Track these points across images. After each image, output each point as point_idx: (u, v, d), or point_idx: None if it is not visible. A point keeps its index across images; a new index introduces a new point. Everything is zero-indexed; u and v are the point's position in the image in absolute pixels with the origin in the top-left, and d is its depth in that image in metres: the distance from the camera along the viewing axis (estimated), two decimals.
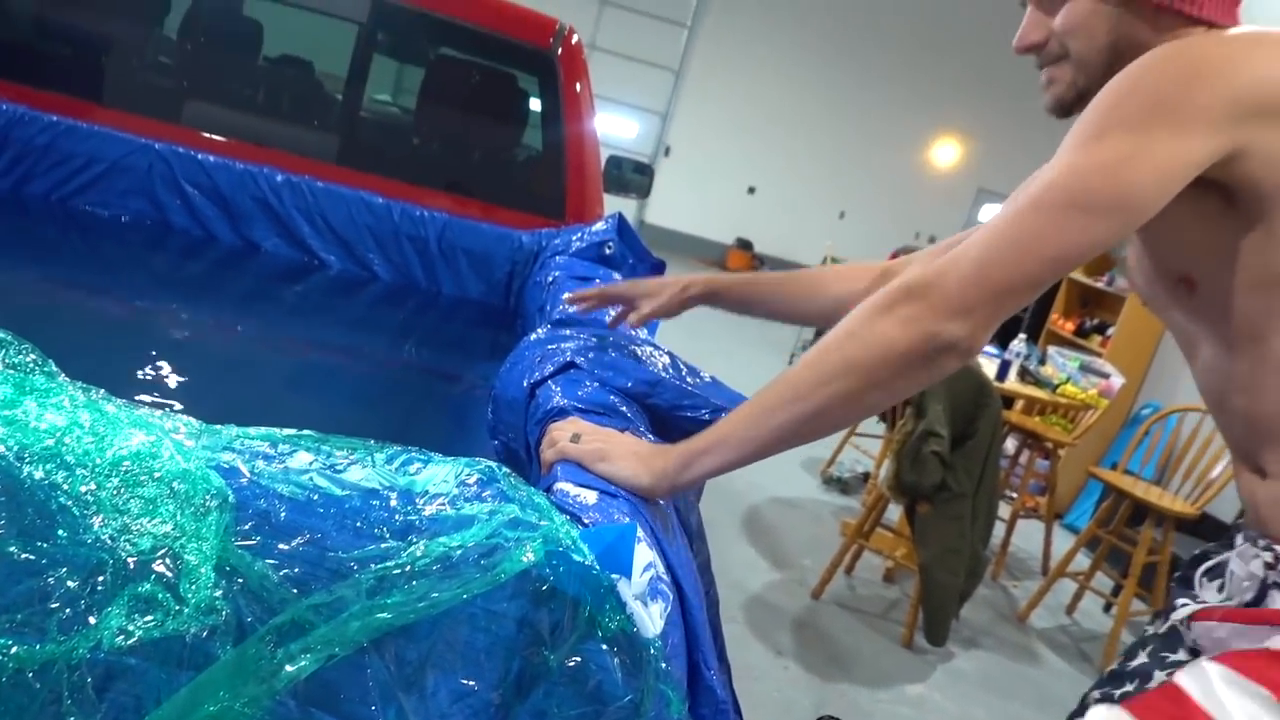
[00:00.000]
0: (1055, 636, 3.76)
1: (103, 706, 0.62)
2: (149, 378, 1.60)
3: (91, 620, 0.62)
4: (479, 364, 2.23)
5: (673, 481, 0.92)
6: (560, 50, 2.60)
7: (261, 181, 2.40)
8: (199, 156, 2.39)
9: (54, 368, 0.77)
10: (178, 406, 1.48)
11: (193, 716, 0.64)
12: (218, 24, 2.72)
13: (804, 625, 3.26)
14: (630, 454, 0.93)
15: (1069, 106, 1.00)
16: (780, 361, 6.99)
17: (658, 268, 2.26)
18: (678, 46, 11.32)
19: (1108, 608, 4.05)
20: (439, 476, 0.78)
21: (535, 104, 2.79)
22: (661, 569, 0.76)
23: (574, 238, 2.23)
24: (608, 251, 2.14)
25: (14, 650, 0.61)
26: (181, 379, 1.64)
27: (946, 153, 11.91)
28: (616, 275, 2.06)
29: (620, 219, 2.22)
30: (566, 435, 0.96)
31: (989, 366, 3.93)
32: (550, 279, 1.99)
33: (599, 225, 2.22)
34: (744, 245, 11.74)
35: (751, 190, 12.03)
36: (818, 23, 11.34)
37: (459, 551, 0.70)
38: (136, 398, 1.46)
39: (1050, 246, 0.83)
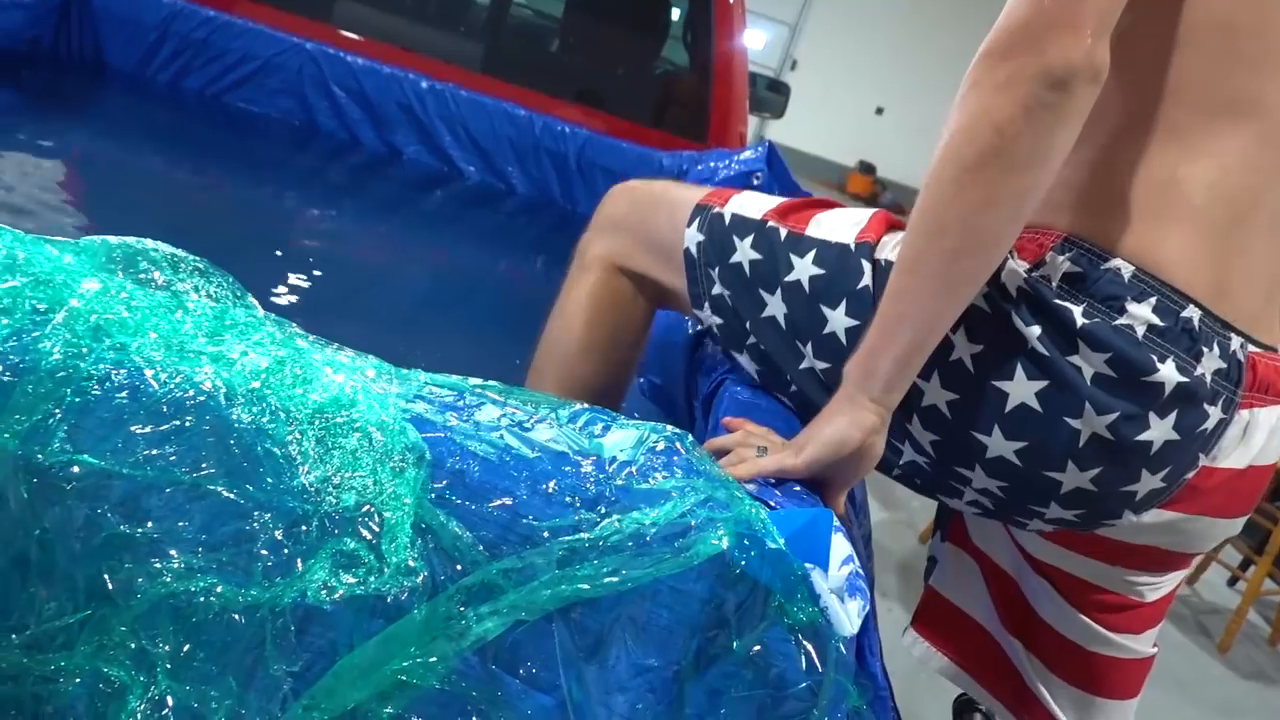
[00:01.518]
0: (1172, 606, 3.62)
1: (302, 653, 0.62)
2: (297, 284, 1.63)
3: (297, 569, 0.62)
4: None
5: (880, 405, 0.78)
6: None
7: (407, 87, 2.39)
8: (348, 59, 2.38)
9: (252, 300, 0.76)
10: (324, 308, 1.50)
11: (383, 669, 0.64)
12: None
13: (910, 569, 3.21)
14: (815, 430, 0.80)
15: None
16: None
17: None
18: None
19: (1233, 581, 3.87)
20: (625, 441, 0.75)
21: (685, 24, 2.68)
22: (859, 563, 0.72)
23: (720, 165, 2.15)
24: (755, 182, 2.06)
25: (219, 589, 0.62)
26: (324, 287, 1.66)
27: None
28: None
29: (771, 148, 2.13)
30: (750, 450, 0.84)
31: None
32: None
33: (747, 153, 2.13)
34: (866, 169, 11.32)
35: (879, 111, 11.52)
36: None
37: (653, 529, 0.67)
38: (278, 295, 1.48)
39: None
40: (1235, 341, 0.79)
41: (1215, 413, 0.79)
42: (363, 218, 2.26)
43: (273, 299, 1.51)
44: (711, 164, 2.22)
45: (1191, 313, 0.77)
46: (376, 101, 2.41)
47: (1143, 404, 0.77)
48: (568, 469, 0.70)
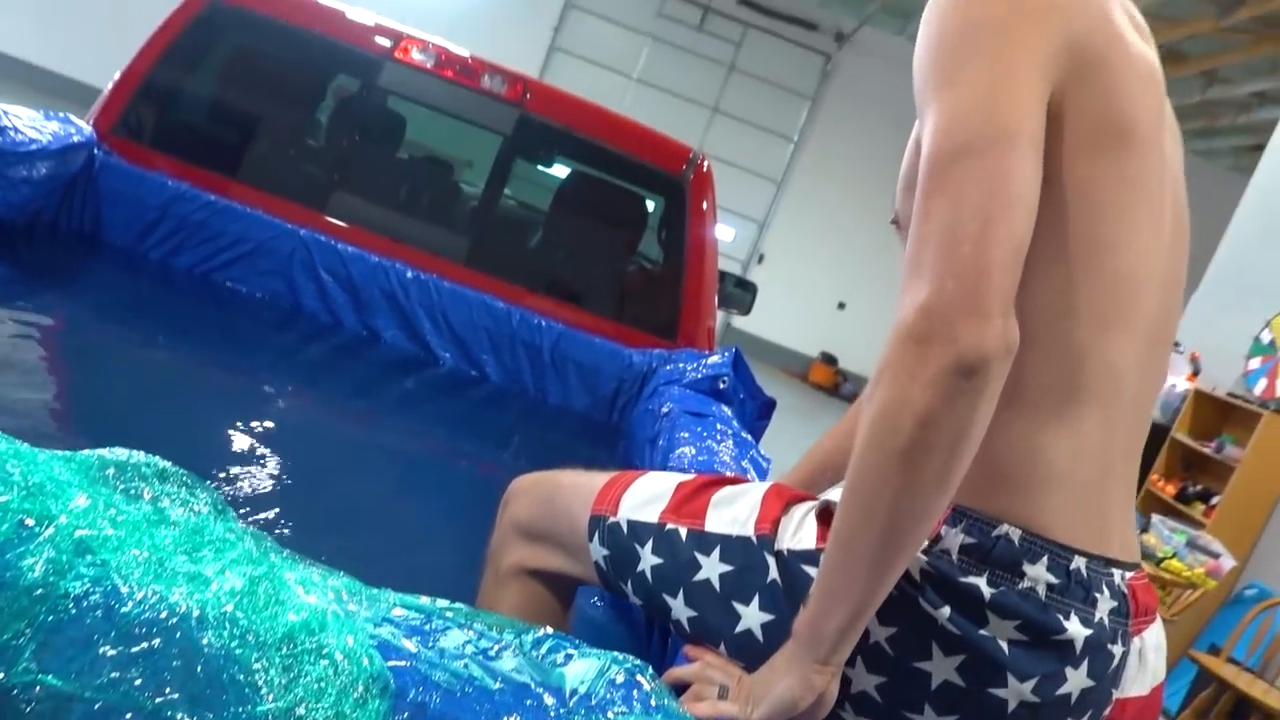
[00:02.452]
0: None
1: None
2: (267, 461, 1.64)
3: None
4: None
5: (829, 665, 0.79)
6: (691, 177, 2.66)
7: (392, 275, 2.49)
8: (337, 246, 2.49)
9: (232, 515, 0.78)
10: (294, 499, 1.51)
11: None
12: (366, 121, 2.87)
13: None
14: (768, 687, 0.82)
15: None
16: None
17: (768, 406, 2.25)
18: (783, 158, 11.53)
19: None
20: (586, 673, 0.77)
21: (660, 225, 2.84)
22: None
23: (688, 367, 2.24)
24: (721, 386, 2.14)
25: None
26: (296, 466, 1.68)
27: None
28: (728, 410, 2.05)
29: (737, 353, 2.23)
30: (711, 688, 0.87)
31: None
32: (664, 410, 1.99)
33: (715, 358, 2.23)
34: (829, 360, 11.67)
35: (842, 306, 12.01)
36: None
37: None
38: (253, 482, 1.49)
39: (981, 197, 0.72)
40: (1117, 576, 0.85)
41: (1118, 649, 0.84)
42: (336, 396, 2.30)
43: (248, 485, 1.52)
44: (680, 365, 2.31)
45: (1078, 562, 0.82)
46: (361, 286, 2.50)
47: (1059, 661, 0.81)
48: (529, 702, 0.71)
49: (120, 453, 0.77)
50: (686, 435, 1.70)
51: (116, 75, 2.53)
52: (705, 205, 2.69)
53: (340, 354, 2.49)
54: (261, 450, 1.70)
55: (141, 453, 0.78)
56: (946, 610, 0.80)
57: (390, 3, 9.43)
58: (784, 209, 11.84)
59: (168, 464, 0.79)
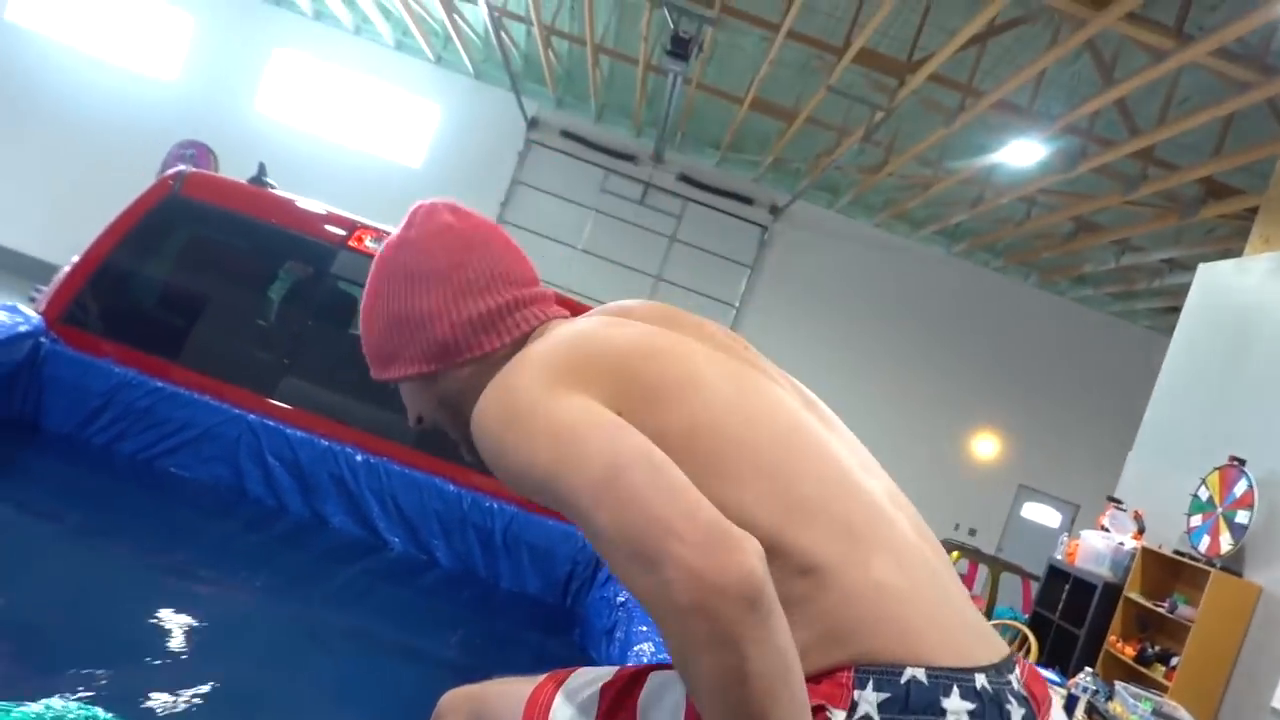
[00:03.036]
0: None
1: None
2: (199, 669, 1.55)
3: None
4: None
5: None
6: None
7: (341, 460, 2.45)
8: (286, 431, 2.46)
9: None
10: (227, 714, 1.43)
11: None
12: (315, 306, 2.90)
13: None
14: None
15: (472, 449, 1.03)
16: None
17: None
18: (725, 323, 11.86)
19: None
20: None
21: None
22: None
23: None
24: None
25: None
26: (231, 672, 1.59)
27: (986, 447, 11.99)
28: None
29: None
30: None
31: (1055, 700, 3.70)
32: (619, 599, 1.95)
33: None
34: None
35: None
36: (853, 312, 11.88)
37: None
38: (182, 694, 1.41)
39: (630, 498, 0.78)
40: (1014, 680, 0.88)
41: None
42: (277, 589, 2.21)
43: (176, 698, 1.43)
44: None
45: (980, 681, 0.84)
46: (309, 471, 2.46)
47: None
48: None
49: (57, 708, 0.72)
50: (645, 629, 1.66)
51: (68, 265, 2.54)
52: None
53: (285, 541, 2.42)
54: (192, 656, 1.61)
55: (76, 703, 0.74)
56: None
57: (333, 189, 9.72)
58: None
59: (103, 714, 0.74)
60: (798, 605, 0.83)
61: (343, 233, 2.66)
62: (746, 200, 11.59)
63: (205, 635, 1.73)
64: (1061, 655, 5.79)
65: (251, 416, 2.46)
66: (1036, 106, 6.96)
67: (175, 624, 1.73)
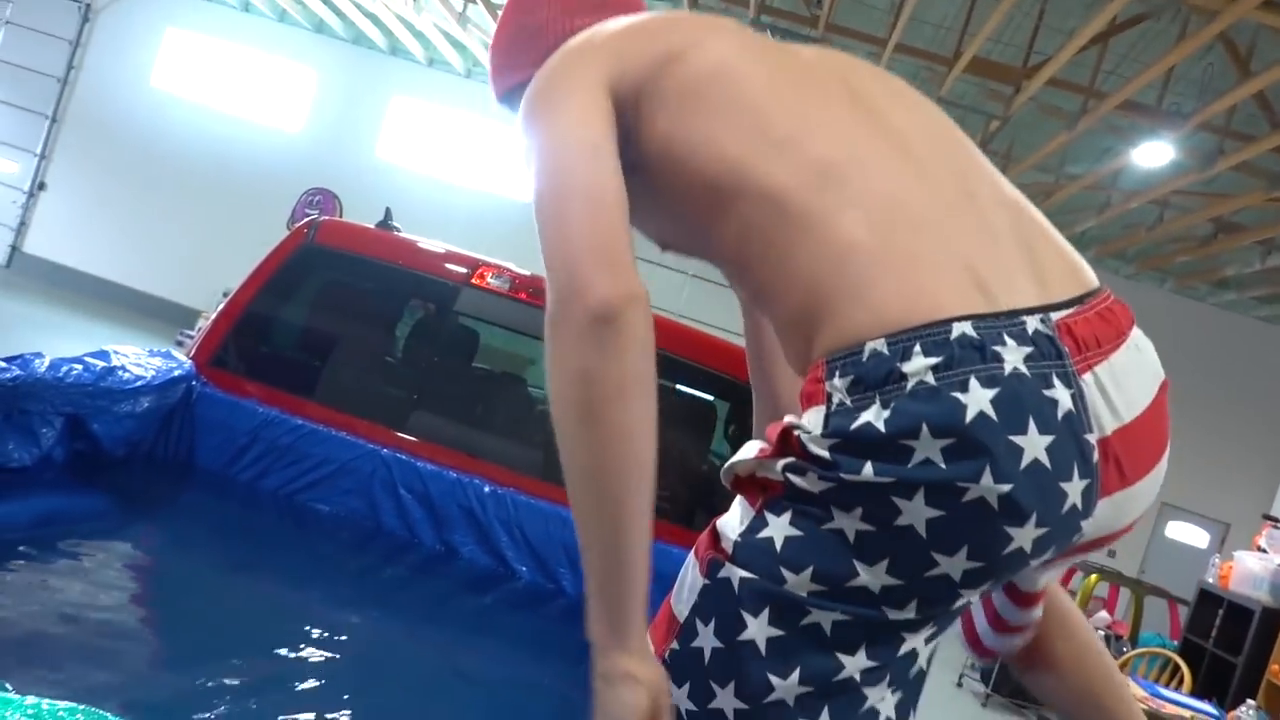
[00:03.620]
0: None
1: None
2: (340, 690, 1.61)
3: None
4: None
5: (627, 656, 0.83)
6: None
7: (470, 491, 2.52)
8: (417, 464, 2.54)
9: None
10: None
11: None
12: (442, 343, 2.99)
13: None
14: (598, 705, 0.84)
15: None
16: (949, 678, 6.44)
17: None
18: None
19: None
20: None
21: (732, 430, 2.86)
22: None
23: None
24: None
25: None
26: (370, 696, 1.64)
27: None
28: None
29: None
30: None
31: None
32: None
33: None
34: None
35: None
36: None
37: None
38: (328, 712, 1.46)
39: (576, 185, 0.89)
40: (1030, 322, 0.81)
41: (1062, 393, 0.79)
42: (413, 620, 2.28)
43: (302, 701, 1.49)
44: None
45: (960, 328, 0.79)
46: (439, 503, 2.53)
47: (996, 436, 0.76)
48: None
49: None
50: None
51: (214, 313, 2.71)
52: None
53: (419, 571, 2.50)
54: (335, 682, 1.68)
55: None
56: (868, 466, 0.79)
57: (452, 228, 10.04)
58: None
59: None
60: (773, 256, 0.88)
61: (465, 271, 2.74)
62: None
63: (347, 663, 1.80)
64: (1218, 685, 5.41)
65: (384, 451, 2.55)
66: (1166, 104, 6.62)
67: (320, 652, 1.80)
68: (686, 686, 0.88)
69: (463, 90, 11.78)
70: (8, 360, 1.96)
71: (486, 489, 2.52)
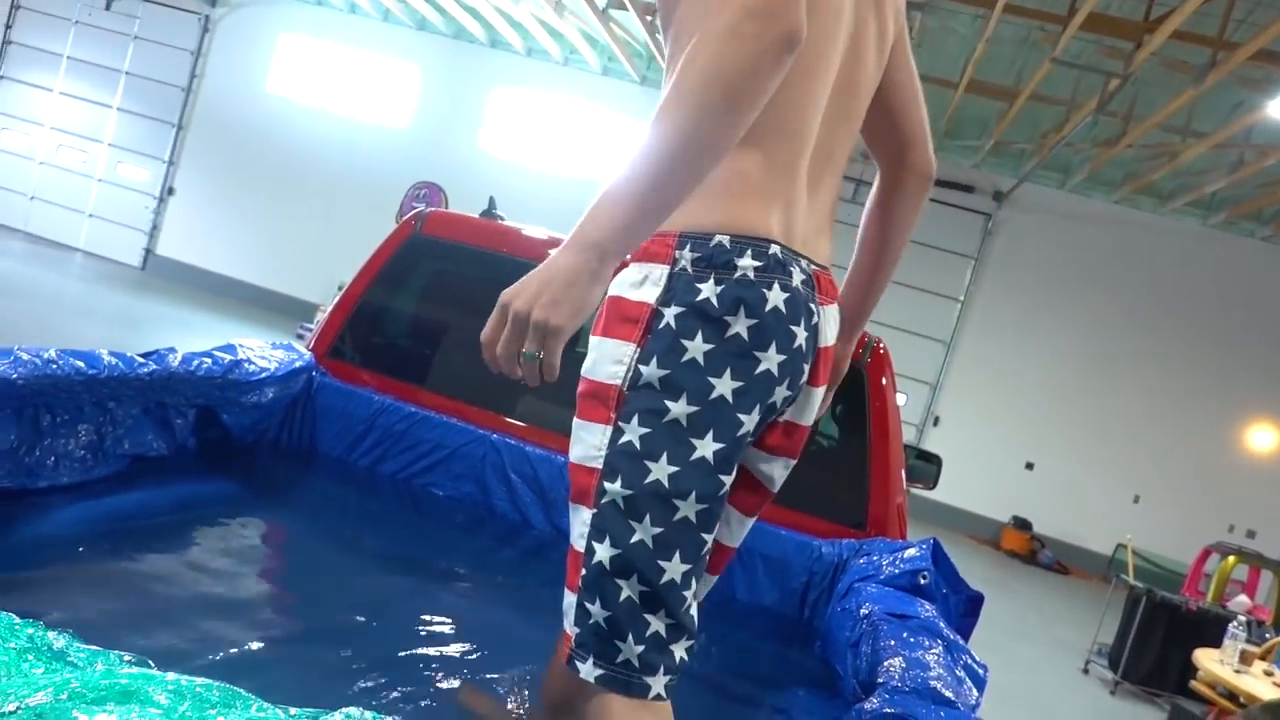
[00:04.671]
0: None
1: None
2: (461, 669, 1.65)
3: None
4: (770, 691, 2.12)
5: (605, 254, 1.01)
6: (869, 361, 2.63)
7: None
8: (526, 448, 2.58)
9: None
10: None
11: None
12: None
13: None
14: (550, 262, 1.04)
15: None
16: (1073, 664, 6.19)
17: (975, 601, 2.10)
18: (950, 319, 11.32)
19: None
20: None
21: (839, 411, 2.80)
22: None
23: (884, 561, 2.14)
24: (922, 581, 2.02)
25: None
26: (494, 673, 1.68)
27: (1263, 439, 10.68)
28: (931, 609, 1.92)
29: (935, 545, 2.11)
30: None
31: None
32: (863, 611, 1.89)
33: (912, 550, 2.12)
34: (1021, 524, 10.91)
35: (1030, 466, 11.32)
36: (1096, 299, 10.96)
37: None
38: (454, 690, 1.49)
39: None
40: (804, 262, 1.22)
41: (816, 309, 1.23)
42: (530, 601, 2.31)
43: (443, 684, 1.53)
44: (874, 558, 2.20)
45: (775, 250, 1.17)
46: (549, 487, 2.57)
47: (784, 322, 1.16)
48: None
49: (355, 713, 0.79)
50: (893, 643, 1.60)
51: (330, 305, 2.80)
52: (885, 386, 2.64)
53: (532, 555, 2.54)
54: (460, 662, 1.72)
55: (370, 714, 0.80)
56: (699, 335, 1.13)
57: (554, 215, 10.19)
58: (956, 370, 11.50)
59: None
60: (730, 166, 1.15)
61: None
62: (966, 189, 11.03)
63: (465, 641, 1.84)
64: None
65: (494, 436, 2.60)
66: None
67: (439, 630, 1.85)
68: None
69: (561, 78, 11.89)
70: (144, 356, 2.08)
71: None
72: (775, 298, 1.14)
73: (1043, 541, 10.76)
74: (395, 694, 1.50)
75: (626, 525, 1.14)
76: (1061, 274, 11.12)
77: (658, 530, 1.13)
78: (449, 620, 1.93)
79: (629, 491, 1.13)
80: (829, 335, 1.27)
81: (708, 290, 1.12)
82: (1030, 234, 11.10)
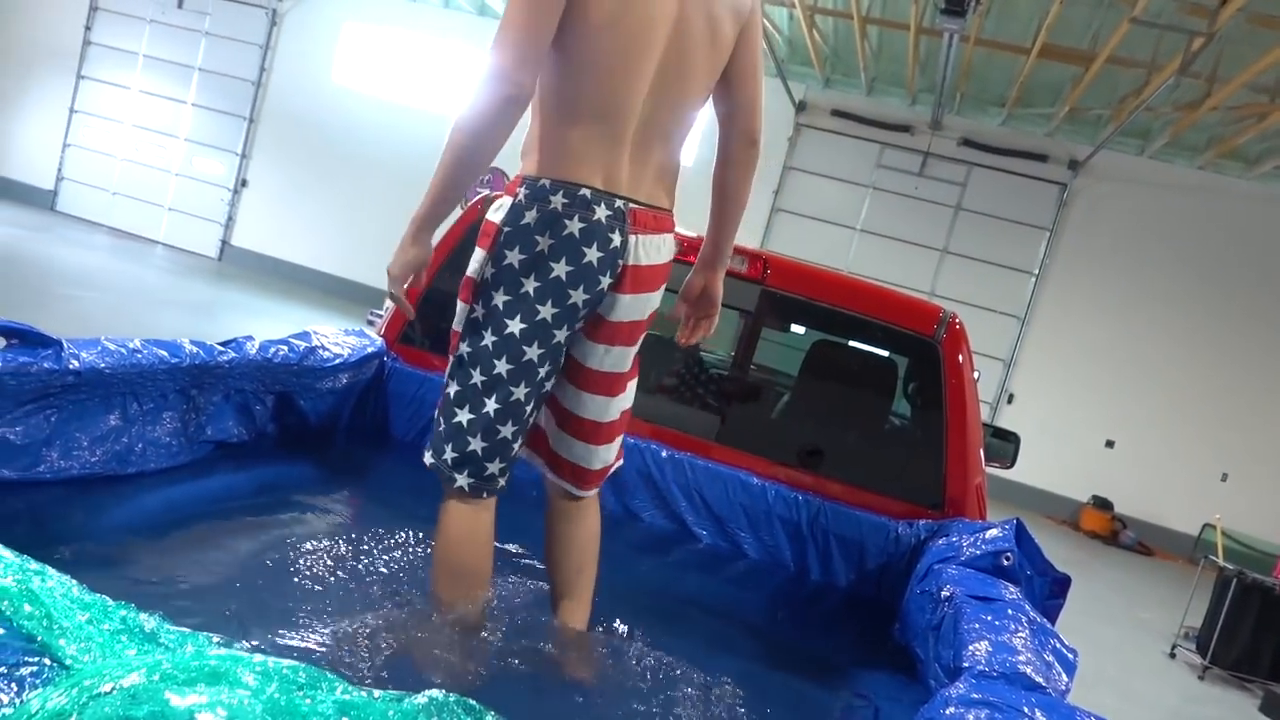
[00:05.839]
0: None
1: None
2: (525, 650, 1.65)
3: None
4: (850, 675, 2.08)
5: (419, 234, 1.62)
6: (944, 336, 2.56)
7: (647, 456, 2.53)
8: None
9: None
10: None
11: None
12: None
13: None
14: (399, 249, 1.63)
15: None
16: (1159, 647, 6.00)
17: (1062, 584, 2.03)
18: (1024, 293, 11.00)
19: None
20: None
21: (914, 389, 2.74)
22: None
23: (964, 542, 2.08)
24: (1005, 563, 1.96)
25: None
26: (549, 648, 1.67)
27: None
28: (1015, 591, 1.86)
29: (1019, 525, 2.05)
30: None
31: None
32: (944, 594, 1.84)
33: (994, 531, 2.06)
34: (1101, 504, 10.59)
35: (1110, 444, 10.97)
36: (1178, 269, 10.54)
37: None
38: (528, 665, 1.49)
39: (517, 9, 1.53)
40: (619, 202, 1.62)
41: (618, 238, 1.61)
42: (605, 587, 2.31)
43: (522, 676, 1.53)
44: (954, 539, 2.15)
45: (585, 192, 1.59)
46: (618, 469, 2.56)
47: (579, 245, 1.59)
48: None
49: (439, 696, 0.79)
50: (977, 626, 1.55)
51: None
52: (961, 362, 2.57)
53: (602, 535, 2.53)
54: (525, 633, 1.72)
55: (454, 697, 0.80)
56: (516, 249, 1.61)
57: None
58: (1031, 345, 11.18)
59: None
60: (553, 129, 1.62)
61: None
62: (1040, 158, 10.69)
63: (534, 618, 1.85)
64: None
65: None
66: None
67: (510, 608, 1.86)
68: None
69: None
70: (224, 344, 2.13)
71: (664, 454, 2.53)
72: (573, 226, 1.58)
73: (1124, 522, 10.44)
74: (477, 677, 1.51)
75: (466, 372, 1.63)
76: (1141, 244, 10.71)
77: (483, 378, 1.62)
78: (519, 598, 1.94)
79: (470, 350, 1.64)
80: (639, 256, 1.64)
81: (530, 217, 1.59)
82: (1108, 203, 10.71)
